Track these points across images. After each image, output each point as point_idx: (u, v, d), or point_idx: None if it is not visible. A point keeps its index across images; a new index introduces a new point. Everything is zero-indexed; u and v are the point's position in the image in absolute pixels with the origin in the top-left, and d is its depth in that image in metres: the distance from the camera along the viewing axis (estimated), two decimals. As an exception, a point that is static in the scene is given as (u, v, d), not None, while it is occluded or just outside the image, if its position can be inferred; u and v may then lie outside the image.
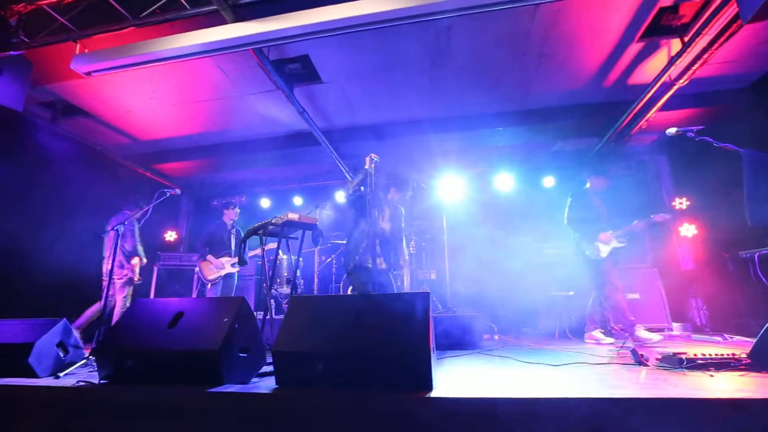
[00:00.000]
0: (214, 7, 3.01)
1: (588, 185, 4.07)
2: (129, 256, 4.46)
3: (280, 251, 3.48)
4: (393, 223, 3.51)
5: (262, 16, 3.00)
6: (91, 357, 2.58)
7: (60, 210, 5.01)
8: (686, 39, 3.52)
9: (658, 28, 3.61)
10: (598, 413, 1.44)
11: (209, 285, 4.85)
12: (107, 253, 4.38)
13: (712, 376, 1.92)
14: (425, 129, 5.35)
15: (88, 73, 3.40)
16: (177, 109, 4.99)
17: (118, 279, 4.37)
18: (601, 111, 4.94)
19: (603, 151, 5.54)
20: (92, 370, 2.41)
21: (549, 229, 5.31)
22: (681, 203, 5.41)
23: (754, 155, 2.89)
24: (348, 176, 6.24)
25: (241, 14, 3.11)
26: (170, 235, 7.23)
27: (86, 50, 3.43)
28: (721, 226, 4.63)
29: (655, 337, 3.36)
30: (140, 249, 4.58)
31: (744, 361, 2.07)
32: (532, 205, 5.92)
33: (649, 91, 4.08)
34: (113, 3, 3.15)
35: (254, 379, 2.08)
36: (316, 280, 5.81)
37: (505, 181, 6.25)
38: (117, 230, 3.38)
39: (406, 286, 4.48)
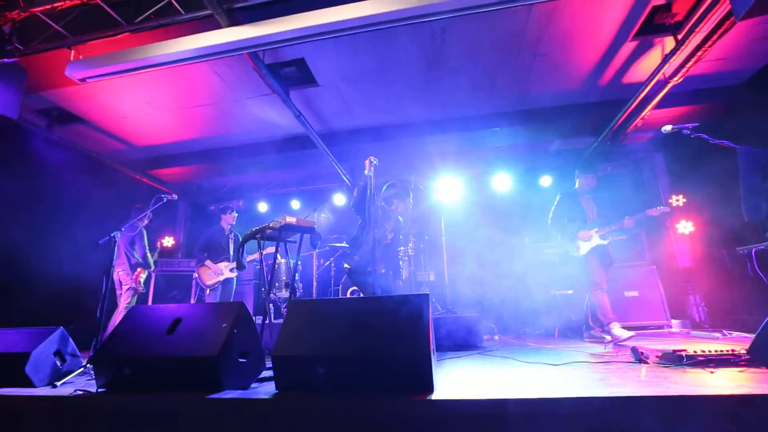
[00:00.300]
0: (209, 11, 3.01)
1: (577, 184, 4.09)
2: (137, 265, 4.48)
3: (278, 255, 3.47)
4: (395, 233, 3.69)
5: (257, 20, 3.00)
6: (88, 365, 2.56)
7: (56, 217, 4.98)
8: (680, 37, 3.54)
9: (652, 26, 3.64)
10: (599, 412, 1.43)
11: (208, 290, 4.84)
12: (119, 260, 4.38)
13: (712, 372, 1.92)
14: (422, 130, 5.37)
15: (83, 80, 3.40)
16: (173, 114, 4.98)
17: (126, 285, 4.40)
18: (597, 110, 4.97)
19: (599, 150, 5.56)
20: (90, 378, 2.39)
21: (547, 228, 5.33)
22: (678, 200, 5.43)
23: (749, 151, 2.91)
24: (345, 179, 6.23)
25: (236, 18, 3.11)
26: (168, 241, 7.20)
27: (81, 57, 3.43)
28: (718, 223, 4.65)
29: (626, 333, 3.41)
30: (149, 257, 4.58)
31: (744, 357, 2.08)
32: (530, 204, 5.92)
33: (643, 90, 4.10)
34: (107, 9, 3.14)
35: (254, 385, 2.06)
36: (314, 284, 5.80)
37: (503, 182, 6.26)
38: (128, 236, 3.39)
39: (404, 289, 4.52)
